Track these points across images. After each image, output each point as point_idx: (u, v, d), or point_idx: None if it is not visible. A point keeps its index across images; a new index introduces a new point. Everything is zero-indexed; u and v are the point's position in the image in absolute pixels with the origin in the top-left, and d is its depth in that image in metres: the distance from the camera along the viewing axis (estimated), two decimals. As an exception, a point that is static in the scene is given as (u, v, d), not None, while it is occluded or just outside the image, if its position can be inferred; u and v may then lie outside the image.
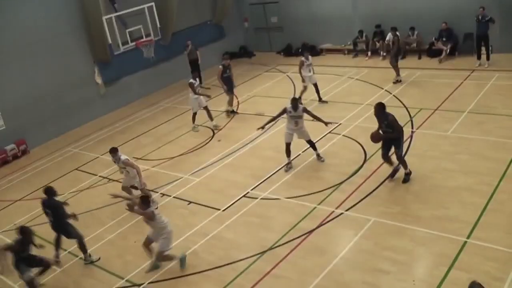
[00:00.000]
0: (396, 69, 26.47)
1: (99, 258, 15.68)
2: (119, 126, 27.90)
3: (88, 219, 18.23)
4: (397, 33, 26.64)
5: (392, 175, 16.80)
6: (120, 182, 20.10)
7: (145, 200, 13.89)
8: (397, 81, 26.40)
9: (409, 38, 30.09)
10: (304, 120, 18.67)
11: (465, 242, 13.07)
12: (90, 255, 15.67)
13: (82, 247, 15.56)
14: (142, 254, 15.17)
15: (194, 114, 24.42)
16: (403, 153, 16.77)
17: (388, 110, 21.82)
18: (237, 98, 26.85)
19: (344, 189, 16.74)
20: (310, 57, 25.39)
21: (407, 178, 16.45)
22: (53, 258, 15.38)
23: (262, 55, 37.33)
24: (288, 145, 18.93)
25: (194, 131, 24.44)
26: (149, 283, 13.97)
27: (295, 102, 18.45)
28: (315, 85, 25.26)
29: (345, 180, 17.25)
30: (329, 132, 20.98)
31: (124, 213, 17.85)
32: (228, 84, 25.18)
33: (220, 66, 25.10)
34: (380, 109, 16.18)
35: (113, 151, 17.88)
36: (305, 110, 18.45)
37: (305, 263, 13.49)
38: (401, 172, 16.58)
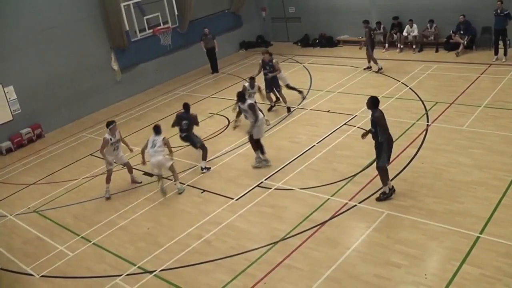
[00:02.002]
0: (373, 59, 27.64)
1: None
2: (134, 112, 27.96)
3: (101, 204, 18.42)
4: (369, 25, 27.84)
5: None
6: (135, 168, 20.19)
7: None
8: (368, 68, 28.08)
9: (427, 31, 29.97)
10: (258, 119, 18.50)
11: (478, 237, 13.02)
12: None
13: None
14: (155, 241, 15.35)
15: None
16: (387, 164, 15.27)
17: (404, 103, 21.95)
18: (277, 101, 24.54)
19: (358, 181, 16.71)
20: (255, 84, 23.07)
21: (381, 197, 15.31)
22: None
23: (279, 45, 37.27)
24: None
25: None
26: (161, 270, 14.01)
27: (241, 95, 18.70)
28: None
29: (359, 172, 17.23)
30: (344, 124, 20.97)
31: (138, 200, 17.99)
32: (265, 82, 23.96)
33: (260, 61, 24.40)
34: (369, 102, 15.07)
35: (112, 123, 18.66)
36: (249, 106, 18.43)
37: (317, 255, 13.49)
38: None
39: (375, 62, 27.62)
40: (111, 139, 18.33)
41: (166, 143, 17.87)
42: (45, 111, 26.70)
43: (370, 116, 15.02)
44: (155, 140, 17.80)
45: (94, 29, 28.56)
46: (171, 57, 32.15)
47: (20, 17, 25.26)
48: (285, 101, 23.87)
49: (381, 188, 15.54)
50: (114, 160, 19.01)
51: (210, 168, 19.42)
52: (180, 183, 18.39)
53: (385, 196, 15.26)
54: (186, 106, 20.12)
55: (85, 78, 28.36)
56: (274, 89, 23.85)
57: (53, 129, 26.99)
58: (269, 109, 24.11)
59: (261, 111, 19.55)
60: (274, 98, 24.23)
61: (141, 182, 19.40)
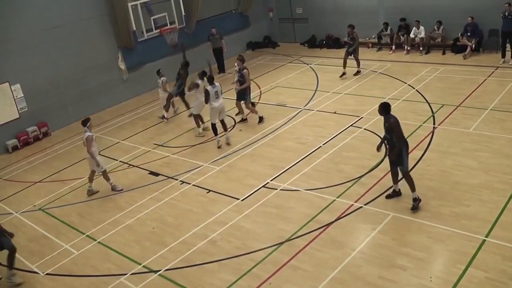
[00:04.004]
0: (345, 61, 27.74)
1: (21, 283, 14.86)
2: (140, 112, 27.97)
3: (106, 203, 18.42)
4: (354, 30, 27.62)
5: (389, 195, 15.67)
6: (141, 167, 20.29)
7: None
8: (358, 72, 28.00)
9: (434, 33, 29.87)
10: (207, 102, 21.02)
11: (484, 240, 13.00)
12: (14, 275, 14.76)
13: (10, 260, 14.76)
14: (160, 241, 15.36)
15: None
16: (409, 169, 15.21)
17: (410, 105, 21.91)
18: (242, 112, 24.24)
19: (364, 183, 16.68)
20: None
21: (415, 205, 14.76)
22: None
23: (286, 46, 37.30)
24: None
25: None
26: (166, 270, 14.01)
27: (210, 78, 21.22)
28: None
29: (365, 174, 17.19)
30: (351, 125, 20.95)
31: (143, 199, 18.01)
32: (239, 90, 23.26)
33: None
34: (381, 108, 14.68)
35: (89, 120, 18.63)
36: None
37: (322, 256, 13.48)
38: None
39: (344, 66, 27.79)
40: (93, 135, 18.37)
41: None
42: (52, 109, 26.74)
43: (384, 123, 14.68)
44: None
45: (101, 29, 28.62)
46: (178, 57, 32.12)
47: (27, 15, 25.30)
48: (255, 112, 23.34)
49: (390, 187, 15.64)
50: (101, 161, 18.83)
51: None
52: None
53: (417, 202, 14.83)
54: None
55: (92, 77, 28.42)
56: (241, 100, 23.46)
57: (59, 127, 27.01)
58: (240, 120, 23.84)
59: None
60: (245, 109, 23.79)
61: (98, 191, 19.35)
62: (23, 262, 15.51)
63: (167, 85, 25.44)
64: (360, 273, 12.61)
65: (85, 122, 18.42)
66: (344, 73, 27.61)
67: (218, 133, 21.30)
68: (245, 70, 22.73)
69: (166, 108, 24.82)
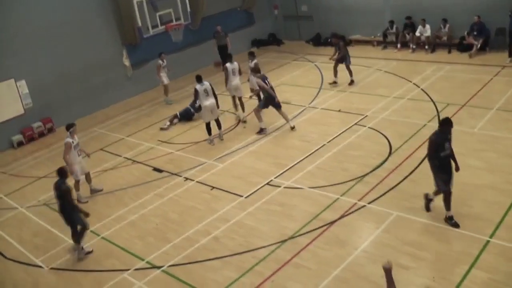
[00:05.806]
0: (350, 71, 26.22)
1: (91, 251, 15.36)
2: (145, 108, 28.00)
3: (110, 199, 18.47)
4: (340, 39, 26.52)
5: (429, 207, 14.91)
6: (145, 163, 20.31)
7: None
8: (335, 82, 26.50)
9: (440, 31, 29.76)
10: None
11: (488, 241, 12.95)
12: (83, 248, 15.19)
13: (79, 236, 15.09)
14: (164, 237, 15.39)
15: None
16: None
17: (415, 104, 21.89)
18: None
19: (368, 182, 16.63)
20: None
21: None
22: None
23: (291, 44, 37.21)
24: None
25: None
26: (169, 266, 14.04)
27: (198, 77, 21.55)
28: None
29: (369, 173, 17.15)
30: (355, 124, 20.91)
31: (147, 195, 18.06)
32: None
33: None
34: (450, 123, 13.98)
35: (73, 125, 18.40)
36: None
37: (325, 254, 13.47)
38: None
39: (335, 74, 26.36)
40: (73, 142, 17.99)
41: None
42: (57, 105, 26.76)
43: (448, 136, 14.00)
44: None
45: (106, 25, 28.66)
46: (183, 54, 32.10)
47: (32, 12, 25.34)
48: (259, 120, 21.91)
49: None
50: (79, 170, 18.36)
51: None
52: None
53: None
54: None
55: (97, 74, 28.44)
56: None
57: (64, 123, 26.46)
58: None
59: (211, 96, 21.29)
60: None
61: (102, 190, 19.27)
62: (27, 256, 15.58)
63: (163, 70, 27.95)
64: (363, 272, 12.61)
65: (68, 127, 18.17)
66: (335, 82, 26.40)
67: (211, 132, 21.62)
68: (258, 74, 22.05)
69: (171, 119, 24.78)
